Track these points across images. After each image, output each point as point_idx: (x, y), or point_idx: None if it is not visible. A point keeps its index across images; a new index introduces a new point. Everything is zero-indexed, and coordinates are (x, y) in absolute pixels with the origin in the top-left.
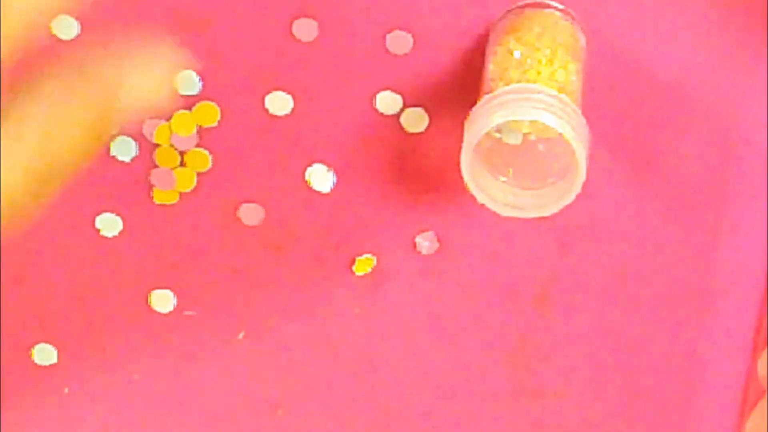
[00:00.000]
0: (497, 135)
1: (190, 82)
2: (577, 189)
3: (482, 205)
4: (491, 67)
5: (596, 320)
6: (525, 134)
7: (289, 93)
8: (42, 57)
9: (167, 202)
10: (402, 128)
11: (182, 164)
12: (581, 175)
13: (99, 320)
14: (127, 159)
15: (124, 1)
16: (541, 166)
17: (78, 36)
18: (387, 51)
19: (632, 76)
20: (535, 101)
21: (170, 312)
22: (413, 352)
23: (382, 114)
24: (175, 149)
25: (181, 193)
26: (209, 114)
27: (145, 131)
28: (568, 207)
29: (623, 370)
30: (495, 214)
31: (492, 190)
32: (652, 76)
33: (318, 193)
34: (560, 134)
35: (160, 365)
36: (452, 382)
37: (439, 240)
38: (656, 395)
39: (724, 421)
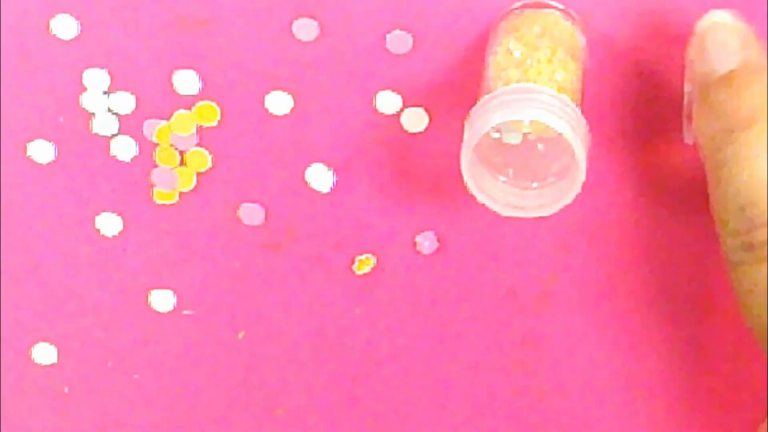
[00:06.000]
0: (496, 135)
1: (190, 82)
2: (577, 189)
3: (482, 205)
4: (491, 67)
5: (596, 320)
6: (525, 134)
7: (289, 93)
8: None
9: (167, 202)
10: (402, 128)
11: (182, 164)
12: (581, 175)
13: (99, 320)
14: (127, 159)
15: (124, 1)
16: (541, 166)
17: (78, 36)
18: (387, 51)
19: (632, 76)
20: (535, 101)
21: (170, 312)
22: (413, 352)
23: (382, 114)
24: (175, 149)
25: (181, 193)
26: (209, 114)
27: (145, 131)
28: (568, 207)
29: (623, 371)
30: (495, 214)
31: (492, 190)
32: (652, 76)
33: (318, 193)
34: (560, 134)
35: (160, 365)
36: (452, 382)
37: (439, 240)
38: (656, 395)
39: (724, 422)
